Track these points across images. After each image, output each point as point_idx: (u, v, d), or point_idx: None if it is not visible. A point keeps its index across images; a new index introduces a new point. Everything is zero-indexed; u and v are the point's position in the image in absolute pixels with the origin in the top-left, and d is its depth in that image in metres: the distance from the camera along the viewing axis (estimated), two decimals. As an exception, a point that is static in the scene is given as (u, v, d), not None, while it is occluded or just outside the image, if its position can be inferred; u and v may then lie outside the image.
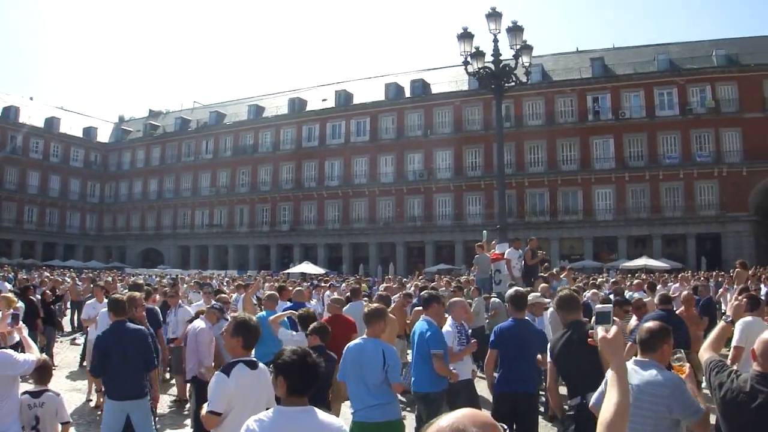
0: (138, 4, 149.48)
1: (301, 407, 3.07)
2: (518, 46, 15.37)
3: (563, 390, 5.44)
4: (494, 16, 15.27)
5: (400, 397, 6.32)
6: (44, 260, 54.20)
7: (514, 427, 5.91)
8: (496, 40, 15.31)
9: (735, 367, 3.47)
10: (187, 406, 9.27)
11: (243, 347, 4.16)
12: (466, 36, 15.41)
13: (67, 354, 14.61)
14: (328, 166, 54.15)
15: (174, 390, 10.55)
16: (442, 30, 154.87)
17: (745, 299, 5.69)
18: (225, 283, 24.61)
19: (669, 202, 42.65)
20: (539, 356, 6.25)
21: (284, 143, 56.36)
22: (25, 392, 5.03)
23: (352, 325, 7.99)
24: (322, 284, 20.43)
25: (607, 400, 2.04)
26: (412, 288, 17.16)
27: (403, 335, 11.08)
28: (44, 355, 5.76)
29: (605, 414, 2.01)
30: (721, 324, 4.13)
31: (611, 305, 3.10)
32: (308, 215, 54.51)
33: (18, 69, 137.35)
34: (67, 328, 18.96)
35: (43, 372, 5.16)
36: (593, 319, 2.36)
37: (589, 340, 2.65)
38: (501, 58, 15.44)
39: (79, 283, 20.52)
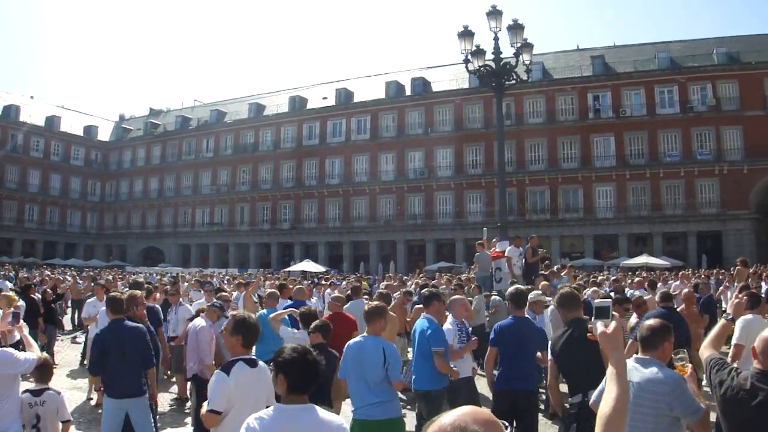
0: (138, 3, 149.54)
1: (302, 405, 3.06)
2: (519, 44, 15.36)
3: (563, 388, 5.45)
4: (495, 14, 15.27)
5: (400, 395, 6.32)
6: (45, 259, 54.28)
7: (514, 424, 5.91)
8: (496, 38, 15.32)
9: (735, 365, 3.47)
10: (188, 404, 9.28)
11: (242, 345, 4.15)
12: (466, 34, 15.40)
13: (68, 352, 14.63)
14: (329, 165, 54.16)
15: (175, 388, 10.56)
16: (442, 28, 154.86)
17: (745, 297, 5.68)
18: (226, 282, 24.64)
19: (670, 200, 42.63)
20: (539, 354, 6.26)
21: (285, 141, 56.37)
22: (26, 391, 5.03)
23: (352, 323, 7.99)
24: (323, 282, 20.43)
25: (607, 395, 2.04)
26: (413, 286, 17.15)
27: (403, 333, 11.09)
28: (45, 354, 5.76)
29: (604, 408, 2.01)
30: (721, 322, 4.13)
31: (610, 300, 3.09)
32: (309, 213, 54.52)
33: (18, 68, 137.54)
34: (68, 326, 19.00)
35: (44, 370, 5.17)
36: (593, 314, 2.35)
37: (588, 334, 2.65)
38: (501, 56, 15.44)
39: (80, 281, 20.55)
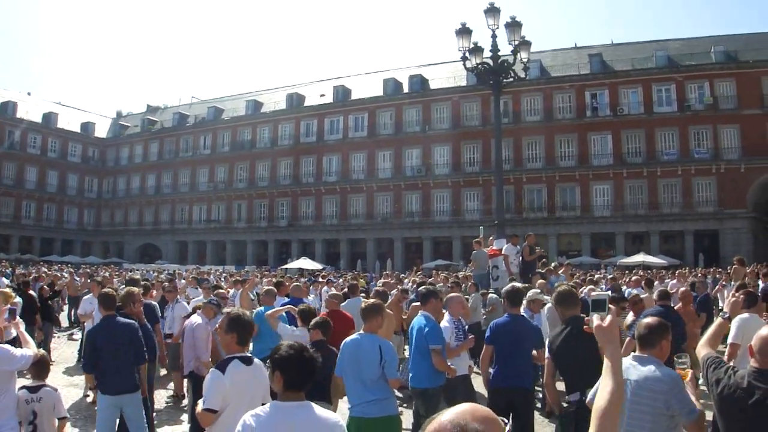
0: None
1: (298, 402, 3.06)
2: (517, 42, 15.31)
3: (560, 386, 5.45)
4: (493, 11, 15.21)
5: (396, 392, 6.32)
6: (42, 255, 54.11)
7: (511, 422, 5.90)
8: (494, 36, 15.26)
9: (732, 364, 3.47)
10: (185, 401, 9.28)
11: (238, 343, 4.13)
12: (464, 31, 15.35)
13: (65, 349, 14.60)
14: (326, 162, 54.15)
15: (171, 385, 10.54)
16: (440, 25, 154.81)
17: (742, 296, 5.69)
18: (223, 279, 24.61)
19: (667, 199, 42.69)
20: (534, 352, 6.26)
21: (282, 138, 56.34)
22: (23, 387, 5.02)
23: (349, 321, 7.98)
24: (320, 280, 20.41)
25: (602, 389, 2.04)
26: (410, 284, 17.14)
27: (400, 331, 11.08)
28: (42, 350, 5.75)
29: (599, 402, 2.01)
30: (718, 321, 4.14)
31: (607, 293, 3.10)
32: (306, 211, 54.51)
33: (16, 64, 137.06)
34: (65, 323, 18.96)
35: (41, 367, 5.16)
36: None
37: (584, 327, 2.65)
38: (499, 53, 15.38)
39: (77, 278, 20.49)
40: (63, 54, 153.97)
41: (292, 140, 55.64)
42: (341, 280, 21.59)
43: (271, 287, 10.09)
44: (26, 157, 58.76)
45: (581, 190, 44.93)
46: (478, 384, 7.78)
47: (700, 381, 4.19)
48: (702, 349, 3.67)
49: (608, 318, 2.23)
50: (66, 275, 23.23)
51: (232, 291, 14.83)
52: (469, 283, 14.36)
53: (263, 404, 3.36)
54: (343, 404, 5.72)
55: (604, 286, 14.51)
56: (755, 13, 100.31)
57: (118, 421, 6.03)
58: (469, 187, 47.95)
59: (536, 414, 7.44)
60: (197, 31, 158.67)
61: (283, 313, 7.96)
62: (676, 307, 9.26)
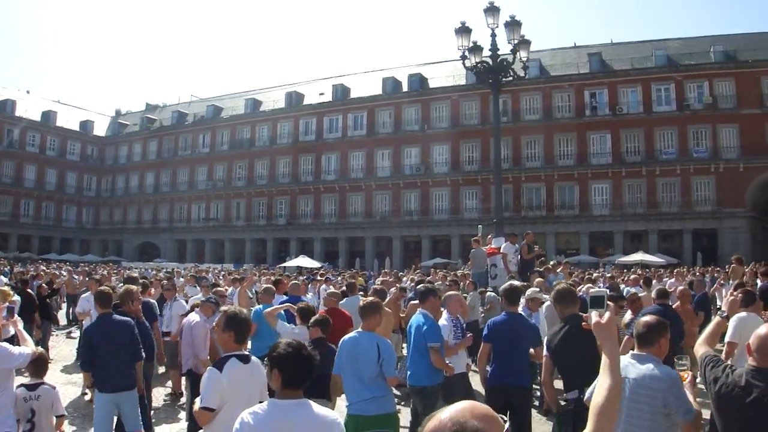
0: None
1: (296, 400, 3.06)
2: (516, 41, 15.32)
3: (558, 384, 5.45)
4: (492, 10, 15.21)
5: (394, 390, 6.32)
6: (41, 254, 54.04)
7: (509, 419, 5.90)
8: (493, 35, 15.26)
9: (729, 362, 3.47)
10: (183, 399, 9.28)
11: (235, 341, 4.10)
12: (463, 30, 15.36)
13: (63, 347, 14.58)
14: (325, 160, 54.15)
15: (169, 383, 10.54)
16: (439, 24, 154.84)
17: (740, 295, 5.69)
18: (221, 277, 24.60)
19: (665, 198, 42.72)
20: (532, 350, 6.26)
21: (281, 137, 56.31)
22: (21, 385, 5.03)
23: (348, 320, 7.98)
24: (318, 278, 20.40)
25: (600, 385, 2.04)
26: (408, 282, 17.14)
27: (398, 329, 11.09)
28: (40, 348, 5.75)
29: (597, 398, 2.01)
30: (716, 319, 4.14)
31: (605, 290, 3.09)
32: (305, 209, 54.51)
33: (15, 62, 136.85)
34: (63, 321, 18.94)
35: (39, 365, 5.16)
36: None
37: (582, 324, 2.65)
38: (499, 52, 15.39)
39: (76, 276, 20.48)
40: (62, 52, 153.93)
41: (291, 139, 55.62)
42: (340, 278, 21.57)
43: (269, 285, 10.09)
44: (25, 156, 58.72)
45: (580, 189, 44.96)
46: (476, 382, 7.78)
47: (698, 379, 4.19)
48: (700, 348, 3.67)
49: (606, 315, 2.23)
50: (64, 273, 23.22)
51: (230, 289, 14.81)
52: (468, 282, 14.35)
53: (261, 402, 3.35)
54: (341, 402, 5.72)
55: (602, 285, 14.50)
56: (754, 13, 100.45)
57: (116, 418, 6.04)
58: (467, 185, 47.96)
59: (534, 412, 7.44)
60: (196, 30, 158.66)
61: (282, 312, 7.96)
62: (674, 306, 9.26)
